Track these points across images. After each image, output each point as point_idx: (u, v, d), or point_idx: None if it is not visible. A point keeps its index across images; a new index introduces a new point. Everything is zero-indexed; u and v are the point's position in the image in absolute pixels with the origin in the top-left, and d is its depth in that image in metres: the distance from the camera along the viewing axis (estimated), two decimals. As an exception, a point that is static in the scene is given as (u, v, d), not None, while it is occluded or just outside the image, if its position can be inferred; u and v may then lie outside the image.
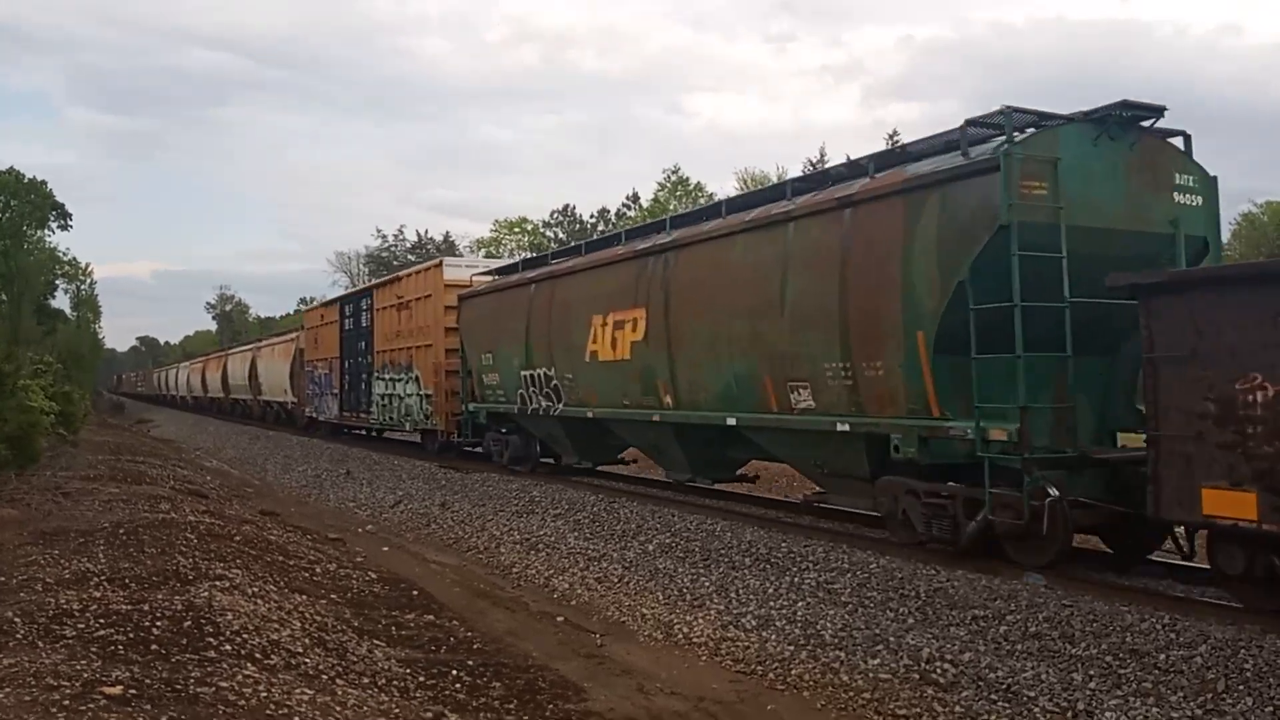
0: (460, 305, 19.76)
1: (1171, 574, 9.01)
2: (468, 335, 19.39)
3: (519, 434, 18.22)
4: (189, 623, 5.84)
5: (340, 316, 28.08)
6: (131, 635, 5.54)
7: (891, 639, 7.59)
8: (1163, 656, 6.66)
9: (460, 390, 19.90)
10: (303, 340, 32.88)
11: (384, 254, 72.95)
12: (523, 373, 16.90)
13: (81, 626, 5.65)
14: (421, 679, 6.17)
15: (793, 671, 7.32)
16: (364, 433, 28.95)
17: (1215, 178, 9.68)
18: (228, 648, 5.58)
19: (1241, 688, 6.12)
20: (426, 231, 74.51)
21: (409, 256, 69.96)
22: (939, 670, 6.95)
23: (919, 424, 9.50)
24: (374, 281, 31.53)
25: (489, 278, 19.79)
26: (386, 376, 23.38)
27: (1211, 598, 8.01)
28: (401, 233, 73.70)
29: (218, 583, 7.09)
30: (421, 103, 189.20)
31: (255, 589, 7.31)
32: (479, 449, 20.22)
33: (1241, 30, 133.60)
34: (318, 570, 9.13)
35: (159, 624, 5.76)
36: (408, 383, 21.94)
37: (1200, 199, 9.53)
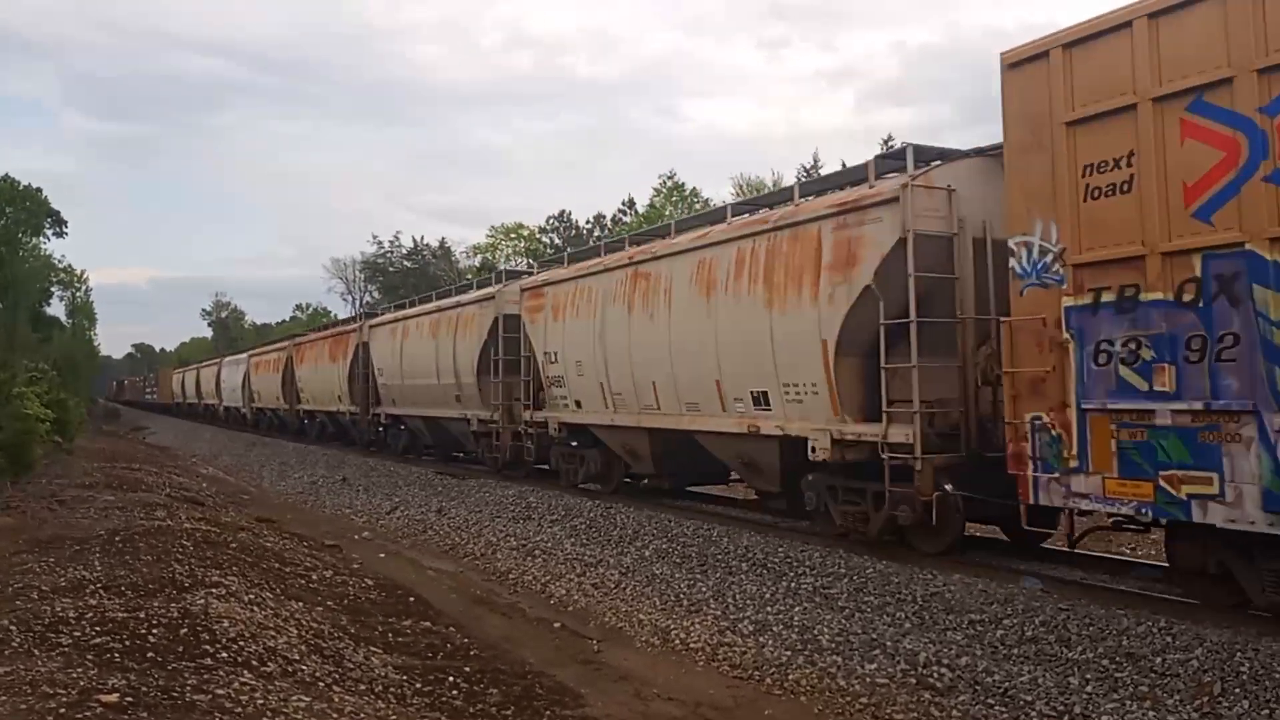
0: None
1: (1169, 577, 9.01)
2: None
3: None
4: (185, 630, 5.84)
5: None
6: (128, 643, 5.53)
7: (888, 644, 7.60)
8: (1159, 660, 6.67)
9: None
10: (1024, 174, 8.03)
11: (380, 260, 72.75)
12: None
13: (78, 634, 5.64)
14: (418, 686, 6.16)
15: (790, 677, 7.31)
16: None
17: None
18: (224, 655, 5.57)
19: (1238, 690, 6.13)
20: (423, 238, 74.38)
21: (405, 263, 69.75)
22: (936, 675, 6.96)
23: None
24: None
25: None
26: None
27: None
28: (398, 239, 73.51)
29: (214, 590, 7.08)
30: (415, 107, 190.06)
31: (251, 596, 7.31)
32: None
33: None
34: (314, 577, 9.12)
35: (155, 631, 5.75)
36: None
37: None
